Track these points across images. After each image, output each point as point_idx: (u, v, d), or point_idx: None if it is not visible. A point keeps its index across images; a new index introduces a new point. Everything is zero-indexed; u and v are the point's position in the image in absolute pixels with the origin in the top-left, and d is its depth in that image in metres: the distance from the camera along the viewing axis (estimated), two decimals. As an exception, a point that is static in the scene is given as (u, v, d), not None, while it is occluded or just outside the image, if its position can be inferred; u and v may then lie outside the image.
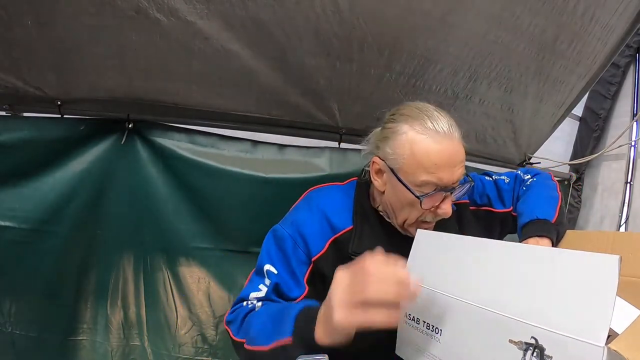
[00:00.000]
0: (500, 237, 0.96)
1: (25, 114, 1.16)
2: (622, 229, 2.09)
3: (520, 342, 0.45)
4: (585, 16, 1.34)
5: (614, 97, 2.10)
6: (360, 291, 0.51)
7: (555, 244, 0.79)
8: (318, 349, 0.58)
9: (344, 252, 0.78)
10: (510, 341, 0.46)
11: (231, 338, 0.72)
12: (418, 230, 0.67)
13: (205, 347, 1.33)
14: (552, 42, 1.38)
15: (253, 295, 0.74)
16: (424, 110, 0.74)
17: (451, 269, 0.58)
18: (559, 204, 0.84)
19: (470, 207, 0.92)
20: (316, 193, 0.88)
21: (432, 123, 0.71)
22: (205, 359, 1.32)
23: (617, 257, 0.38)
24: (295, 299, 0.75)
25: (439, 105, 0.77)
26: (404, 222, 0.78)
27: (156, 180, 1.26)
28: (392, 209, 0.78)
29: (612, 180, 2.14)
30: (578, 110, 2.08)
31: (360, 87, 1.29)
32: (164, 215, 1.27)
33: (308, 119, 1.34)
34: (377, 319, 0.50)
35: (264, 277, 0.76)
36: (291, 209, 0.87)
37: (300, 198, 0.88)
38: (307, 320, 0.62)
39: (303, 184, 0.92)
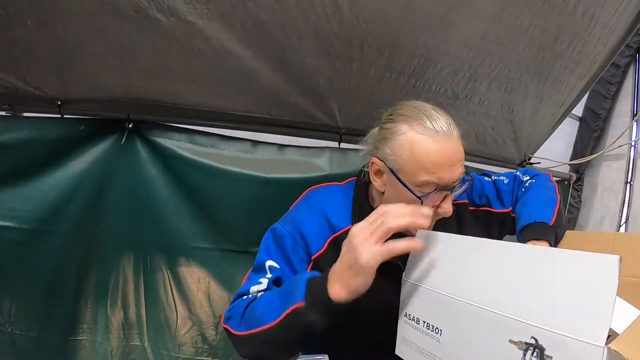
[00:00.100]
0: (500, 238, 0.96)
1: (25, 114, 1.16)
2: (622, 229, 2.09)
3: (520, 342, 0.45)
4: (585, 16, 1.34)
5: (614, 97, 2.10)
6: (379, 225, 0.58)
7: (553, 246, 0.79)
8: (332, 309, 0.60)
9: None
10: (510, 341, 0.46)
11: (231, 335, 0.71)
12: (418, 230, 0.67)
13: (205, 347, 1.33)
14: (552, 42, 1.38)
15: (254, 288, 0.74)
16: (423, 109, 0.74)
17: (451, 269, 0.58)
18: (558, 206, 0.84)
19: (470, 208, 0.92)
20: (315, 193, 0.88)
21: (431, 122, 0.71)
22: (205, 359, 1.32)
23: (617, 257, 0.38)
24: None
25: (439, 105, 0.77)
26: None
27: (156, 180, 1.26)
28: None
29: (612, 180, 2.14)
30: (578, 110, 2.08)
31: (360, 87, 1.29)
32: (164, 215, 1.27)
33: (308, 119, 1.34)
34: (399, 245, 0.58)
35: (265, 272, 0.76)
36: (290, 208, 0.87)
37: (300, 198, 0.88)
38: (318, 283, 0.63)
39: (303, 184, 0.92)
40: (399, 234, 0.61)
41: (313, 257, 0.78)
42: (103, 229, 1.24)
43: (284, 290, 0.68)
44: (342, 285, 0.60)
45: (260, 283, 0.74)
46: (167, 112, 1.24)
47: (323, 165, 1.38)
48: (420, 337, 0.61)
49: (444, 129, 0.71)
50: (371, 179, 0.80)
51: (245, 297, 0.74)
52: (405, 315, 0.65)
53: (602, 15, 1.36)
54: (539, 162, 1.85)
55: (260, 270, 0.77)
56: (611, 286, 0.38)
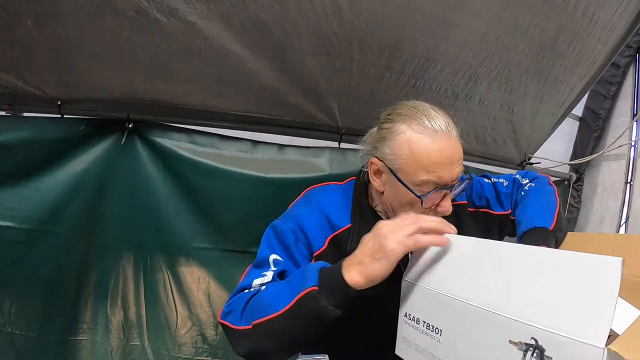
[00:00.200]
0: (498, 240, 0.96)
1: (25, 114, 1.16)
2: (622, 229, 2.09)
3: (520, 342, 0.45)
4: (585, 16, 1.34)
5: (614, 97, 2.10)
6: (411, 221, 0.61)
7: None
8: (346, 295, 0.60)
9: (342, 250, 0.78)
10: (510, 342, 0.46)
11: (230, 330, 0.68)
12: None
13: (205, 347, 1.33)
14: (552, 42, 1.38)
15: (257, 281, 0.72)
16: (421, 109, 0.74)
17: (451, 270, 0.58)
18: (557, 210, 0.84)
19: (469, 209, 0.92)
20: (315, 191, 0.88)
21: (429, 122, 0.71)
22: (205, 359, 1.33)
23: (619, 259, 0.38)
24: None
25: (439, 105, 0.77)
26: None
27: (156, 180, 1.26)
28: (391, 209, 0.78)
29: (612, 180, 2.14)
30: (578, 110, 2.08)
31: (360, 87, 1.29)
32: (164, 215, 1.27)
33: (308, 119, 1.34)
34: (426, 238, 0.60)
35: (269, 265, 0.75)
36: (290, 206, 0.87)
37: (299, 196, 0.88)
38: (332, 269, 0.63)
39: (303, 184, 0.92)
40: None
41: (314, 254, 0.78)
42: (103, 229, 1.24)
43: (293, 278, 0.66)
44: (360, 271, 0.60)
45: (265, 276, 0.73)
46: (167, 112, 1.23)
47: (323, 165, 1.38)
48: (420, 337, 0.61)
49: (443, 128, 0.71)
50: (370, 179, 0.80)
51: (246, 290, 0.72)
52: (405, 315, 0.65)
53: (602, 15, 1.36)
54: (539, 162, 1.85)
55: (263, 264, 0.76)
56: (613, 288, 0.38)
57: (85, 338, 1.26)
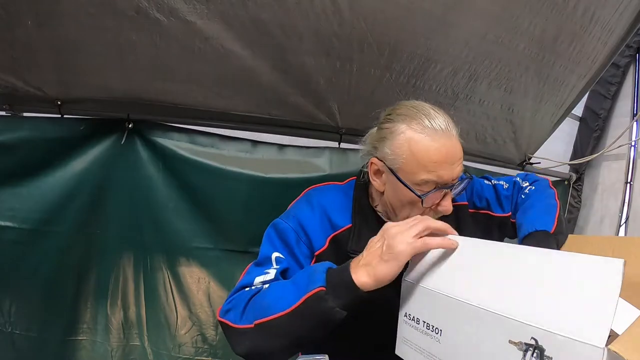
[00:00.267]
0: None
1: (25, 114, 1.16)
2: (622, 229, 2.08)
3: (520, 342, 0.45)
4: (585, 16, 1.34)
5: (614, 97, 2.09)
6: (419, 222, 0.61)
7: None
8: (355, 296, 0.60)
9: (343, 249, 0.78)
10: (510, 342, 0.46)
11: (229, 329, 0.67)
12: None
13: (205, 347, 1.33)
14: (552, 42, 1.38)
15: (259, 279, 0.71)
16: (421, 108, 0.74)
17: (451, 270, 0.58)
18: (558, 213, 0.84)
19: (470, 210, 0.92)
20: (316, 191, 0.88)
21: (429, 121, 0.71)
22: (205, 359, 1.33)
23: (621, 260, 0.38)
24: None
25: (439, 105, 0.77)
26: None
27: (156, 180, 1.26)
28: (392, 209, 0.78)
29: (612, 180, 2.13)
30: (578, 110, 2.08)
31: (360, 87, 1.29)
32: (164, 215, 1.27)
33: (308, 119, 1.34)
34: (434, 240, 0.60)
35: (271, 263, 0.74)
36: (290, 205, 0.87)
37: (300, 195, 0.88)
38: (339, 269, 0.62)
39: (303, 184, 0.92)
40: None
41: (316, 254, 0.79)
42: (103, 229, 1.24)
43: (299, 278, 0.66)
44: (368, 272, 0.60)
45: (267, 274, 0.72)
46: (167, 112, 1.23)
47: (323, 165, 1.38)
48: (420, 337, 0.61)
49: (443, 127, 0.71)
50: (371, 179, 0.80)
51: (247, 289, 0.71)
52: (405, 315, 0.65)
53: (602, 15, 1.36)
54: (539, 162, 1.85)
55: (265, 262, 0.75)
56: (614, 289, 0.38)
57: (85, 338, 1.26)
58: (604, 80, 1.98)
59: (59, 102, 1.13)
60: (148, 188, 1.25)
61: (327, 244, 0.79)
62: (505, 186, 0.96)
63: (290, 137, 1.38)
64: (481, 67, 1.37)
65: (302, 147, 1.39)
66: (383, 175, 0.78)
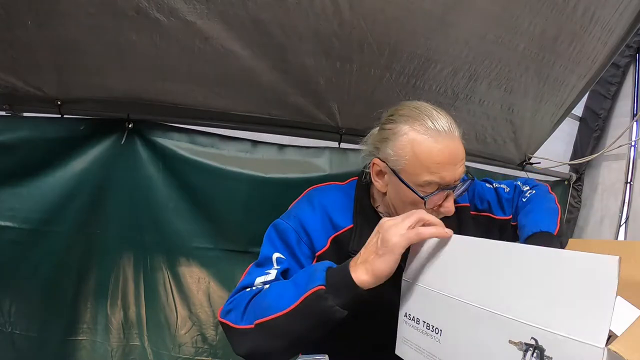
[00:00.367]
0: None
1: (25, 114, 1.16)
2: (622, 229, 2.08)
3: (520, 342, 0.45)
4: (585, 16, 1.34)
5: (614, 97, 2.09)
6: (411, 214, 0.62)
7: None
8: (355, 294, 0.59)
9: (344, 250, 0.78)
10: (510, 342, 0.46)
11: (230, 329, 0.67)
12: None
13: (205, 347, 1.33)
14: (552, 42, 1.38)
15: (260, 279, 0.71)
16: (423, 109, 0.74)
17: (451, 269, 0.58)
18: (559, 216, 0.85)
19: (471, 212, 0.92)
20: (317, 191, 0.88)
21: (432, 122, 0.71)
22: (205, 359, 1.33)
23: (616, 257, 0.38)
24: None
25: (439, 105, 0.77)
26: None
27: (156, 180, 1.26)
28: (394, 209, 0.78)
29: (612, 180, 2.13)
30: (578, 110, 2.08)
31: (360, 87, 1.29)
32: (164, 215, 1.27)
33: (308, 119, 1.34)
34: (428, 230, 0.60)
35: (272, 264, 0.74)
36: (291, 205, 0.87)
37: (301, 196, 0.88)
38: (339, 268, 0.62)
39: (303, 184, 0.92)
40: None
41: (317, 254, 0.78)
42: (103, 229, 1.24)
43: (298, 278, 0.66)
44: (366, 269, 0.60)
45: (268, 274, 0.72)
46: (167, 112, 1.23)
47: (323, 165, 1.38)
48: (420, 337, 0.61)
49: (446, 128, 0.71)
50: (373, 180, 0.80)
51: (248, 289, 0.71)
52: (405, 315, 0.65)
53: (602, 15, 1.36)
54: (539, 162, 1.85)
55: (265, 263, 0.75)
56: (611, 287, 0.38)
57: (85, 338, 1.26)
58: (604, 80, 1.98)
59: (59, 102, 1.13)
60: (148, 188, 1.25)
61: (328, 244, 0.79)
62: (507, 190, 0.97)
63: (290, 137, 1.38)
64: (481, 67, 1.37)
65: (302, 147, 1.39)
66: (385, 176, 0.77)
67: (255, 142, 1.34)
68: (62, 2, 0.96)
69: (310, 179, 1.33)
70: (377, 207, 0.84)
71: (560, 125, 1.82)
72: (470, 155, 1.64)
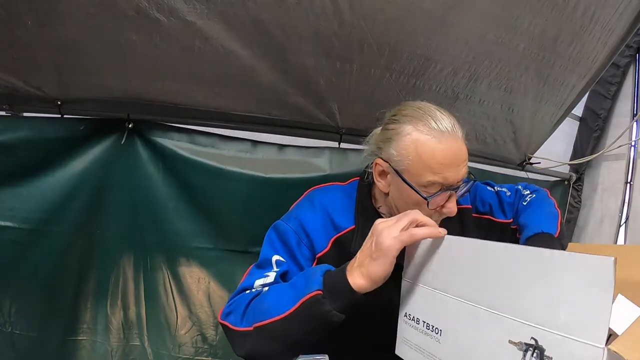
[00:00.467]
0: None
1: (25, 114, 1.16)
2: (622, 229, 2.08)
3: (520, 342, 0.45)
4: (585, 16, 1.34)
5: (614, 97, 2.09)
6: (404, 215, 0.61)
7: None
8: (351, 299, 0.59)
9: (346, 251, 0.78)
10: (510, 342, 0.46)
11: (230, 331, 0.68)
12: None
13: (205, 347, 1.33)
14: (552, 42, 1.38)
15: (259, 282, 0.72)
16: (427, 110, 0.74)
17: (451, 270, 0.58)
18: (560, 220, 0.86)
19: (473, 214, 0.93)
20: (318, 192, 0.87)
21: (435, 123, 0.71)
22: (205, 359, 1.33)
23: (612, 258, 0.38)
24: None
25: (439, 105, 0.77)
26: None
27: (156, 180, 1.26)
28: (396, 210, 0.78)
29: (612, 180, 2.13)
30: (578, 110, 2.08)
31: (360, 87, 1.29)
32: (164, 215, 1.27)
33: (308, 119, 1.34)
34: (421, 231, 0.60)
35: (272, 266, 0.75)
36: (292, 206, 0.86)
37: (302, 196, 0.88)
38: (336, 272, 0.63)
39: (303, 184, 0.92)
40: None
41: (317, 256, 0.78)
42: (103, 229, 1.24)
43: (296, 282, 0.66)
44: (361, 273, 0.60)
45: (267, 276, 0.72)
46: (167, 112, 1.23)
47: (323, 165, 1.38)
48: (420, 337, 0.61)
49: (449, 129, 0.71)
50: (375, 180, 0.79)
51: (248, 291, 0.72)
52: (405, 315, 0.65)
53: (602, 15, 1.36)
54: (539, 162, 1.85)
55: (265, 265, 0.76)
56: (608, 287, 0.38)
57: (85, 338, 1.26)
58: (604, 80, 1.98)
59: (59, 102, 1.13)
60: (148, 188, 1.25)
61: (329, 245, 0.79)
62: (508, 193, 0.98)
63: (290, 137, 1.38)
64: (481, 67, 1.37)
65: (302, 147, 1.39)
66: (388, 176, 0.77)
67: (255, 142, 1.34)
68: (62, 2, 0.96)
69: (310, 179, 1.33)
70: (378, 208, 0.83)
71: (560, 125, 1.82)
72: (470, 155, 1.61)
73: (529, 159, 1.82)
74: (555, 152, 2.00)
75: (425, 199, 0.71)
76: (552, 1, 1.25)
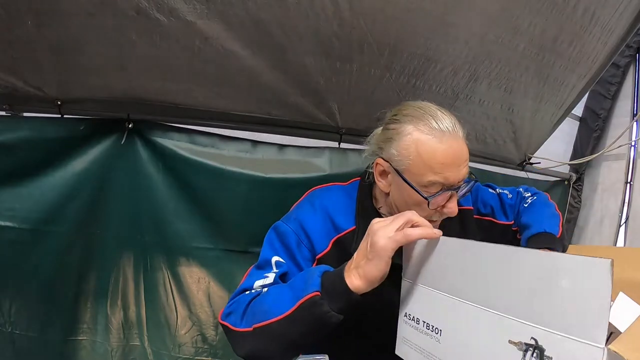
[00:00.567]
0: None
1: (25, 114, 1.16)
2: (622, 229, 2.08)
3: (520, 342, 0.45)
4: (585, 16, 1.34)
5: (614, 97, 2.09)
6: (400, 216, 0.62)
7: None
8: (349, 299, 0.60)
9: (347, 251, 0.77)
10: (510, 342, 0.46)
11: (230, 332, 0.68)
12: None
13: (205, 347, 1.33)
14: (552, 42, 1.38)
15: (259, 283, 0.72)
16: (428, 109, 0.74)
17: (451, 270, 0.58)
18: (561, 222, 0.87)
19: (475, 216, 0.93)
20: (319, 192, 0.87)
21: (436, 123, 0.71)
22: (205, 359, 1.33)
23: (608, 260, 0.38)
24: None
25: (439, 105, 0.77)
26: None
27: (156, 180, 1.26)
28: (397, 210, 0.78)
29: (612, 180, 2.14)
30: (578, 110, 2.08)
31: (360, 87, 1.29)
32: (164, 215, 1.27)
33: (308, 119, 1.34)
34: (416, 231, 0.60)
35: (271, 267, 0.75)
36: (293, 207, 0.86)
37: (302, 197, 0.88)
38: (334, 273, 0.63)
39: (303, 184, 0.92)
40: None
41: (317, 257, 0.78)
42: (103, 228, 1.24)
43: (295, 283, 0.66)
44: (358, 273, 0.60)
45: (266, 277, 0.73)
46: (167, 112, 1.23)
47: (323, 165, 1.38)
48: (420, 337, 0.61)
49: (450, 129, 0.71)
50: (376, 180, 0.79)
51: (247, 292, 0.72)
52: (405, 315, 0.65)
53: (602, 15, 1.36)
54: (539, 162, 1.85)
55: (265, 266, 0.76)
56: (605, 288, 0.38)
57: (85, 338, 1.26)
58: (604, 80, 1.98)
59: (59, 102, 1.13)
60: (148, 188, 1.25)
61: (329, 246, 0.79)
62: (509, 196, 0.98)
63: (290, 137, 1.38)
64: (481, 67, 1.37)
65: (302, 147, 1.39)
66: (389, 176, 0.77)
67: (255, 142, 1.34)
68: (62, 2, 0.96)
69: (310, 179, 1.33)
70: (379, 209, 0.83)
71: (560, 125, 1.82)
72: (470, 155, 1.63)
73: (529, 159, 1.82)
74: (555, 152, 2.00)
75: (425, 198, 0.71)
76: (552, 1, 1.25)
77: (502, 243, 0.95)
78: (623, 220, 2.09)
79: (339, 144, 1.42)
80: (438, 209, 0.74)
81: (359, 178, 0.88)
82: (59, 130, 1.15)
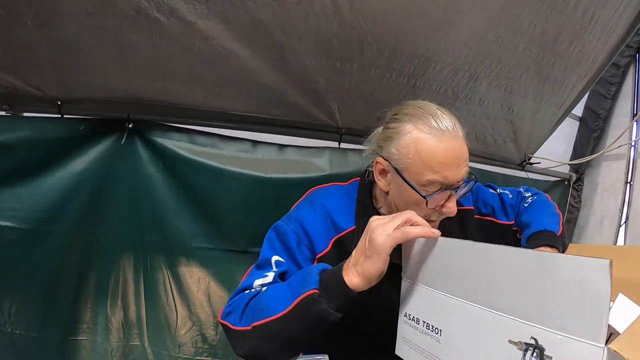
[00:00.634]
0: None
1: (25, 114, 1.16)
2: (622, 229, 2.09)
3: (520, 342, 0.45)
4: (585, 16, 1.34)
5: (614, 97, 2.10)
6: (398, 214, 0.62)
7: None
8: (347, 297, 0.60)
9: (347, 251, 0.77)
10: (510, 341, 0.46)
11: (230, 331, 0.69)
12: None
13: (205, 347, 1.33)
14: (552, 42, 1.38)
15: (258, 282, 0.72)
16: (428, 109, 0.74)
17: (451, 271, 0.58)
18: (562, 221, 0.87)
19: (475, 216, 0.93)
20: (319, 192, 0.87)
21: (436, 122, 0.71)
22: (205, 359, 1.33)
23: (607, 261, 0.38)
24: None
25: (439, 105, 0.77)
26: None
27: (156, 180, 1.26)
28: (396, 209, 0.78)
29: (612, 180, 2.14)
30: (578, 110, 2.08)
31: (360, 87, 1.29)
32: (164, 215, 1.27)
33: (308, 119, 1.34)
34: (414, 229, 0.60)
35: (271, 266, 0.75)
36: (293, 207, 0.86)
37: (302, 197, 0.88)
38: (332, 271, 0.63)
39: (303, 184, 0.92)
40: None
41: (317, 257, 0.78)
42: (103, 228, 1.24)
43: (294, 281, 0.66)
44: (356, 271, 0.60)
45: (266, 277, 0.73)
46: (167, 112, 1.24)
47: (323, 165, 1.38)
48: (420, 337, 0.61)
49: (449, 128, 0.71)
50: (375, 179, 0.79)
51: (247, 291, 0.72)
52: (405, 315, 0.65)
53: (602, 15, 1.36)
54: (539, 162, 1.85)
55: (265, 265, 0.76)
56: (605, 288, 0.38)
57: (85, 338, 1.26)
58: (604, 80, 1.99)
59: (59, 102, 1.13)
60: (148, 188, 1.25)
61: (330, 246, 0.79)
62: (510, 196, 0.98)
63: (290, 137, 1.38)
64: (481, 67, 1.37)
65: (302, 147, 1.39)
66: (388, 175, 0.77)
67: (255, 142, 1.34)
68: (62, 2, 0.96)
69: (310, 179, 1.33)
70: (379, 208, 0.83)
71: (560, 125, 1.82)
72: (470, 155, 1.63)
73: (529, 159, 1.82)
74: (555, 152, 2.00)
75: (424, 197, 0.71)
76: (552, 1, 1.25)
77: (502, 243, 0.96)
78: (623, 220, 2.09)
79: (339, 144, 1.42)
80: (437, 208, 0.74)
81: (359, 178, 0.88)
82: (59, 130, 1.16)
